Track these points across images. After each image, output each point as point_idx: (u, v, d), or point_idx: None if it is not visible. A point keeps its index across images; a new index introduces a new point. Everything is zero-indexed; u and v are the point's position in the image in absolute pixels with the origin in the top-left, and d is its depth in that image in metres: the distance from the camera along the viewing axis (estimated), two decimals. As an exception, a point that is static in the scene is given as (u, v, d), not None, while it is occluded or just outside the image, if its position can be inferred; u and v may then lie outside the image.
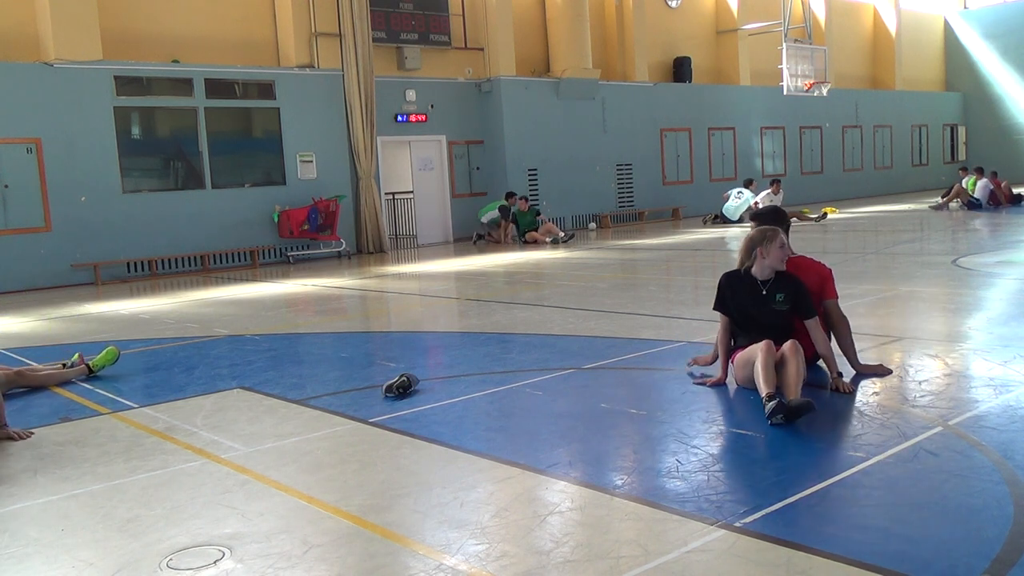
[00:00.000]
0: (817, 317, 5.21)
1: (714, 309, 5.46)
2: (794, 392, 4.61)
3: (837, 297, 5.48)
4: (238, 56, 16.56)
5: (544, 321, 8.15)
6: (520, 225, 18.23)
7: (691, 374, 5.63)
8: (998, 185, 20.55)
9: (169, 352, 7.72)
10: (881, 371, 5.36)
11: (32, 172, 13.82)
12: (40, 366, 6.80)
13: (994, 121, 32.70)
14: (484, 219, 18.55)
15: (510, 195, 18.51)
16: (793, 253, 5.53)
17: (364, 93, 17.19)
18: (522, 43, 20.48)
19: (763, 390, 4.64)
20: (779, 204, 18.35)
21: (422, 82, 18.79)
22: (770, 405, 4.46)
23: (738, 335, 5.30)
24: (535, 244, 17.56)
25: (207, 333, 8.58)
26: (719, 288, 5.41)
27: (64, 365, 6.75)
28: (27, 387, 6.33)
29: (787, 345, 4.84)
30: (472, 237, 18.87)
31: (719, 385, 5.30)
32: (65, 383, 6.51)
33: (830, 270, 5.56)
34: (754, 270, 5.23)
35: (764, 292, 5.17)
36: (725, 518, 3.30)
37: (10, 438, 5.02)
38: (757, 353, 4.85)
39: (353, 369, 6.69)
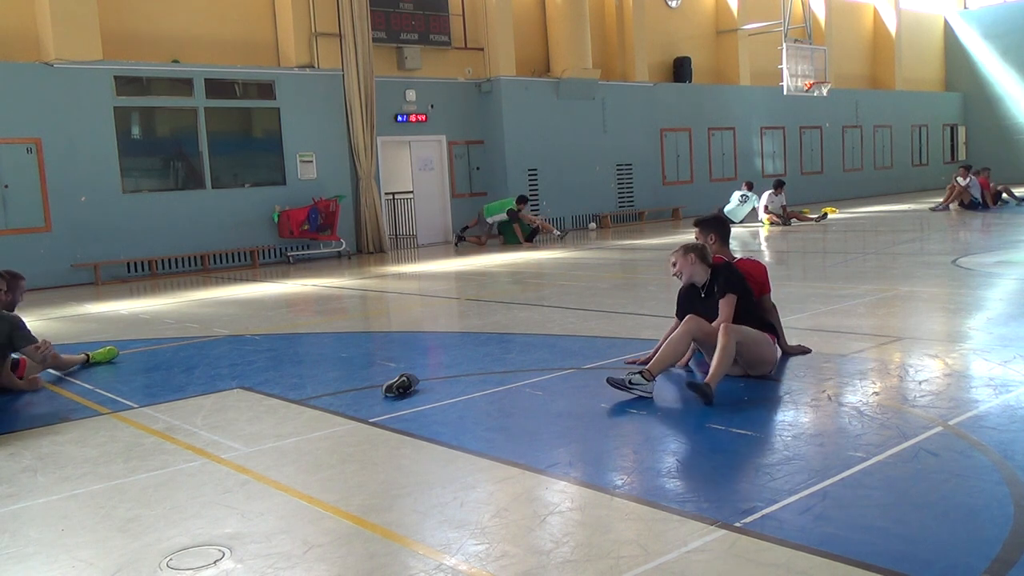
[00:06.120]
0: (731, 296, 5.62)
1: (676, 315, 5.96)
2: (713, 375, 5.03)
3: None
4: (238, 56, 16.56)
5: (544, 321, 8.15)
6: (522, 230, 18.16)
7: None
8: (986, 184, 20.46)
9: (169, 352, 7.72)
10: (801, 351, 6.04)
11: (32, 172, 13.82)
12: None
13: (994, 121, 32.69)
14: (490, 219, 18.25)
15: (523, 200, 18.32)
16: (733, 258, 6.12)
17: (364, 93, 17.19)
18: (522, 43, 20.48)
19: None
20: (782, 204, 18.45)
21: (422, 82, 18.79)
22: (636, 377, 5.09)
23: None
24: (529, 243, 17.57)
25: (207, 333, 8.58)
26: (678, 301, 5.95)
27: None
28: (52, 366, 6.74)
29: (721, 328, 5.27)
30: (454, 240, 18.41)
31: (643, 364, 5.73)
32: (65, 370, 6.88)
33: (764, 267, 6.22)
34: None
35: (704, 294, 5.71)
36: (725, 518, 3.30)
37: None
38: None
39: (353, 369, 6.69)
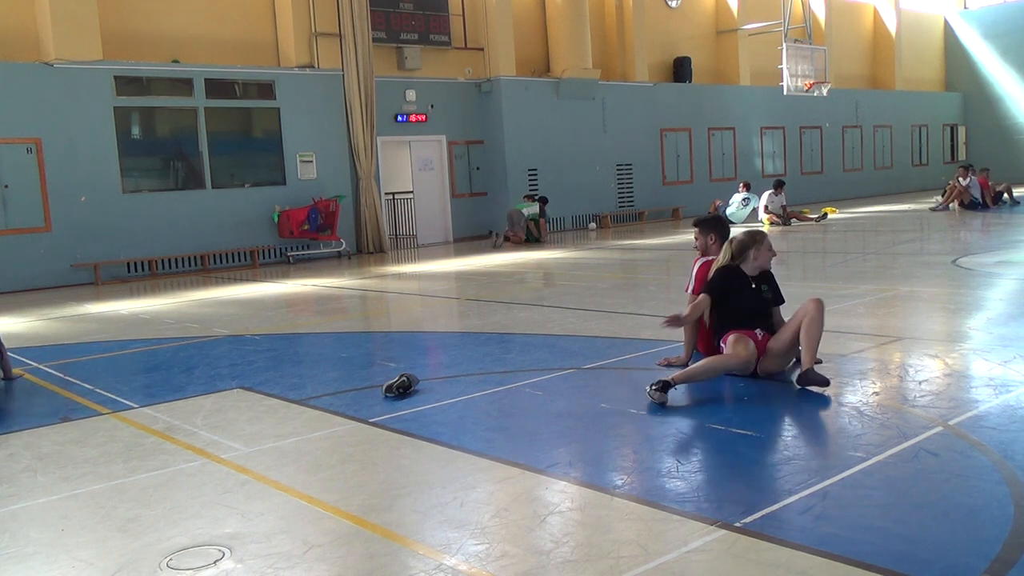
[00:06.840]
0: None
1: (706, 292, 5.65)
2: (811, 358, 5.05)
3: None
4: (238, 56, 16.56)
5: (544, 321, 8.15)
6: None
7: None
8: (986, 184, 20.46)
9: (169, 352, 7.72)
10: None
11: (32, 172, 13.82)
12: None
13: (994, 121, 32.69)
14: (525, 211, 18.22)
15: (544, 201, 18.60)
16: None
17: (364, 93, 17.19)
18: (522, 43, 20.48)
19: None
20: (782, 204, 18.43)
21: (422, 82, 18.79)
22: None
23: (725, 321, 5.63)
24: (531, 244, 17.59)
25: (207, 333, 8.58)
26: (719, 278, 5.67)
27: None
28: None
29: (811, 304, 5.24)
30: (493, 239, 17.79)
31: (683, 365, 5.72)
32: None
33: None
34: (745, 268, 5.67)
35: (753, 286, 5.64)
36: (725, 518, 3.30)
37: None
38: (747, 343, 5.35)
39: (353, 369, 6.69)
